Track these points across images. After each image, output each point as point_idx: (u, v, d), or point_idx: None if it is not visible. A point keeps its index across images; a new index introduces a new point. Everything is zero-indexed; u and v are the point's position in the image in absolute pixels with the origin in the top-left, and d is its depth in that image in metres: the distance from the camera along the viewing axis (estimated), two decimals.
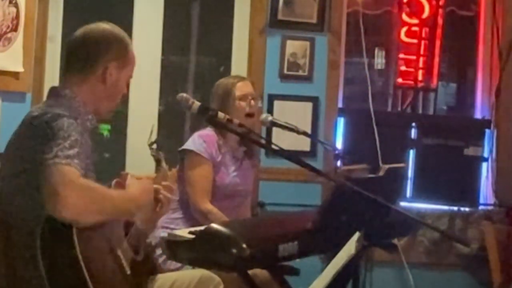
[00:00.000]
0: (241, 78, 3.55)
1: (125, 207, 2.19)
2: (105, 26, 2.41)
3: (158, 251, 3.00)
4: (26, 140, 2.18)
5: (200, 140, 3.32)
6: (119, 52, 2.38)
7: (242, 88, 3.41)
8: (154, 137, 2.62)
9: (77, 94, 2.32)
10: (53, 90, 2.36)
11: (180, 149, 3.37)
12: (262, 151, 4.22)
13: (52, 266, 2.00)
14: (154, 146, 2.58)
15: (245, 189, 3.45)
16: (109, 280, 2.10)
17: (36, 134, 2.13)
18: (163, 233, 3.06)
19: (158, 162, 2.56)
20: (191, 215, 3.30)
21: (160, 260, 3.11)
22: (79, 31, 2.40)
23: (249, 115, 3.38)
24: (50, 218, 1.99)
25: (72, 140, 2.07)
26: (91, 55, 2.34)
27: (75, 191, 1.97)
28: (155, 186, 2.44)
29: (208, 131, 3.37)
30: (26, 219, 2.13)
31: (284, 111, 4.24)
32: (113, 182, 2.31)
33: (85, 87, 2.33)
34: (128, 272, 2.19)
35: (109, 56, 2.35)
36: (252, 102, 3.40)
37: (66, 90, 2.32)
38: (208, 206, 3.23)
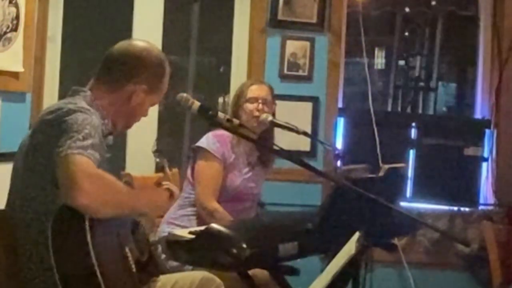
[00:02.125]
0: (259, 82, 3.57)
1: (137, 203, 2.23)
2: (149, 46, 2.42)
3: (159, 249, 3.00)
4: (41, 135, 2.19)
5: (213, 140, 3.32)
6: (153, 78, 2.39)
7: (254, 91, 3.41)
8: (157, 145, 2.65)
9: (98, 99, 2.33)
10: (74, 90, 2.37)
11: (193, 146, 3.39)
12: None
13: (63, 260, 2.01)
14: (158, 153, 2.62)
15: (254, 194, 3.45)
16: (116, 275, 2.11)
17: (51, 129, 2.15)
18: (168, 228, 3.09)
19: (162, 168, 2.59)
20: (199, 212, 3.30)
21: (161, 258, 3.11)
22: (122, 45, 2.40)
23: (254, 117, 3.37)
24: (62, 212, 2.00)
25: (86, 133, 2.08)
26: (125, 73, 2.35)
27: (90, 179, 1.98)
28: (165, 183, 2.52)
29: (223, 132, 3.37)
30: (38, 213, 2.14)
31: (284, 111, 4.23)
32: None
33: (109, 99, 2.34)
34: (134, 269, 2.20)
35: (142, 79, 2.36)
36: (260, 106, 3.39)
37: (88, 92, 2.33)
38: (214, 204, 3.23)
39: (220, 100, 4.92)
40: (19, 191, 2.22)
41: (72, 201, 1.96)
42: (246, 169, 3.40)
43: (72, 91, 2.37)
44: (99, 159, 2.08)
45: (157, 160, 2.61)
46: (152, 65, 2.39)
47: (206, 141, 3.33)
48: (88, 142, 2.06)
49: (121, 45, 2.41)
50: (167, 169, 2.59)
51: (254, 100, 3.39)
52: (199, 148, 3.33)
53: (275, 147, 2.71)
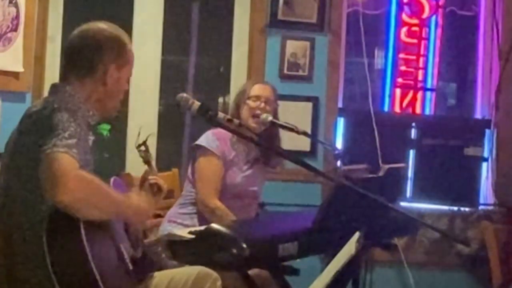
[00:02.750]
0: (262, 81, 3.60)
1: (123, 209, 2.20)
2: (102, 26, 2.40)
3: (159, 248, 3.01)
4: (26, 135, 2.19)
5: (213, 137, 3.33)
6: (118, 53, 2.38)
7: (257, 90, 3.42)
8: (141, 139, 2.65)
9: (78, 93, 2.32)
10: (53, 87, 2.37)
11: (192, 144, 3.39)
12: None
13: (59, 260, 2.01)
14: (142, 148, 2.62)
15: (254, 191, 3.45)
16: (114, 275, 2.11)
17: (36, 128, 2.15)
18: (170, 227, 3.09)
19: (147, 163, 2.60)
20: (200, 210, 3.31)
21: (163, 255, 3.11)
22: (76, 32, 2.39)
23: (254, 116, 3.38)
24: (57, 213, 2.00)
25: (71, 131, 2.08)
26: (89, 59, 2.34)
27: (75, 178, 1.99)
28: (151, 177, 2.55)
29: (222, 129, 3.37)
30: (29, 215, 2.14)
31: (284, 111, 4.23)
32: (112, 179, 2.33)
33: (86, 90, 2.34)
34: (131, 267, 2.21)
35: (108, 58, 2.35)
36: (263, 104, 3.39)
37: (67, 87, 2.32)
38: (216, 202, 3.23)
39: (220, 100, 4.92)
40: (8, 192, 2.21)
41: (55, 197, 1.96)
42: (246, 167, 3.40)
43: (52, 88, 2.37)
44: (83, 158, 2.08)
45: (142, 155, 2.61)
46: (110, 43, 2.37)
47: (206, 139, 3.33)
48: (73, 141, 2.05)
49: (74, 35, 2.40)
50: (153, 164, 2.60)
51: (257, 98, 3.39)
52: (199, 146, 3.33)
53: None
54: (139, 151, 2.64)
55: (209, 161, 3.29)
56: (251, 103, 3.38)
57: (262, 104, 3.38)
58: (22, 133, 2.21)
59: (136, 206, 2.26)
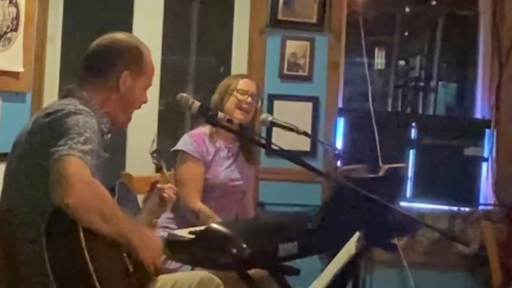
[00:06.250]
0: (248, 76, 3.61)
1: (128, 229, 2.11)
2: (120, 35, 2.46)
3: None
4: (39, 135, 2.19)
5: (190, 140, 3.33)
6: (132, 60, 2.41)
7: (244, 84, 3.43)
8: (155, 146, 2.65)
9: (94, 98, 2.34)
10: (69, 90, 2.38)
11: (172, 150, 3.39)
12: (262, 151, 4.22)
13: (57, 261, 2.01)
14: (156, 154, 2.63)
15: (241, 185, 3.44)
16: (113, 276, 2.11)
17: (50, 129, 2.15)
18: (163, 233, 3.08)
19: (160, 169, 2.60)
20: (182, 215, 3.30)
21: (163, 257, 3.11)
22: (96, 41, 2.45)
23: (241, 108, 3.38)
24: (56, 213, 2.00)
25: (87, 137, 2.08)
26: (103, 64, 2.37)
27: (84, 183, 1.98)
28: (160, 186, 2.53)
29: (199, 130, 3.39)
30: (33, 213, 2.14)
31: (284, 111, 4.24)
32: (117, 182, 2.33)
33: (100, 96, 2.36)
34: (131, 270, 2.20)
35: (121, 64, 2.38)
36: (250, 99, 3.40)
37: (83, 92, 2.35)
38: (198, 204, 3.24)
39: None
40: (14, 191, 2.21)
41: (60, 199, 1.96)
42: (228, 162, 3.40)
43: (66, 91, 2.38)
44: (95, 165, 2.08)
45: (155, 161, 2.63)
46: (124, 50, 2.41)
47: (184, 143, 3.34)
48: (88, 147, 2.06)
49: (93, 42, 2.45)
50: (165, 171, 2.61)
51: (245, 92, 3.40)
52: (178, 151, 3.33)
53: (275, 147, 2.70)
54: (153, 157, 2.65)
55: (189, 164, 3.29)
56: (238, 95, 3.38)
57: (249, 99, 3.39)
58: (35, 132, 2.22)
59: (145, 233, 2.19)
